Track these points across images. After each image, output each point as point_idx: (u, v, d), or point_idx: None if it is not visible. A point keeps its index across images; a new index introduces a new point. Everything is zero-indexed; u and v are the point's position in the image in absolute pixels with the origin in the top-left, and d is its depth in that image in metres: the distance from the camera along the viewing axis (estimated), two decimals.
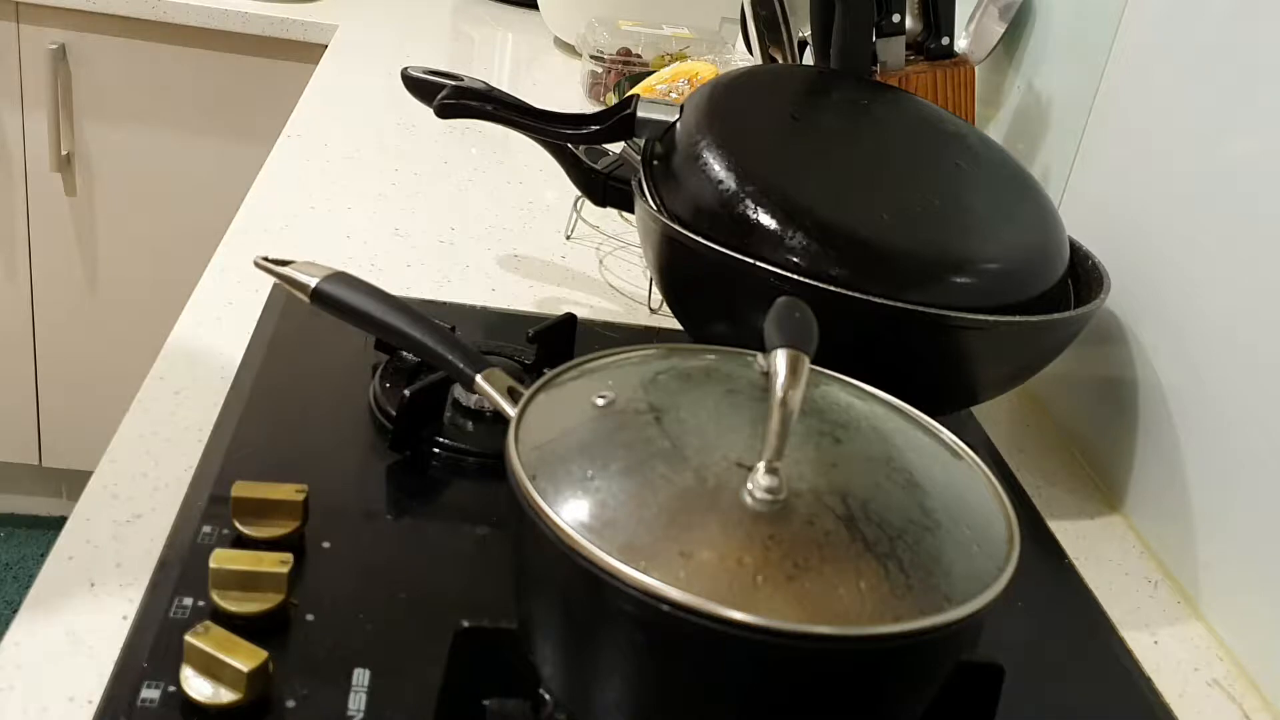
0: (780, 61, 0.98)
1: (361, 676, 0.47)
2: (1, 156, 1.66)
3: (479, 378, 0.56)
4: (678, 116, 0.71)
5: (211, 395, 0.65)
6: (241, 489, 0.53)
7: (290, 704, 0.45)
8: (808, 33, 0.93)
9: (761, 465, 0.39)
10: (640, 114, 0.72)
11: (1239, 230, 0.64)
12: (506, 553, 0.56)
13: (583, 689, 0.41)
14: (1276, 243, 0.61)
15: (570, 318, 0.73)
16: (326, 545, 0.54)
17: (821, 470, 0.41)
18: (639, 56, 1.40)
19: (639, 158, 0.72)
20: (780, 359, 0.41)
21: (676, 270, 0.67)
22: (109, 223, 1.71)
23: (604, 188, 0.83)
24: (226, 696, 0.44)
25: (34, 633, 0.47)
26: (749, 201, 0.63)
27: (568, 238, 0.99)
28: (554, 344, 0.73)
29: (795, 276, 0.60)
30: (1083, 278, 0.72)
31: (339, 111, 1.22)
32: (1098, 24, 0.82)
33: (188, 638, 0.44)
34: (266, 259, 0.64)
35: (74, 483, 1.95)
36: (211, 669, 0.44)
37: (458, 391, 0.66)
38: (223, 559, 0.49)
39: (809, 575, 0.37)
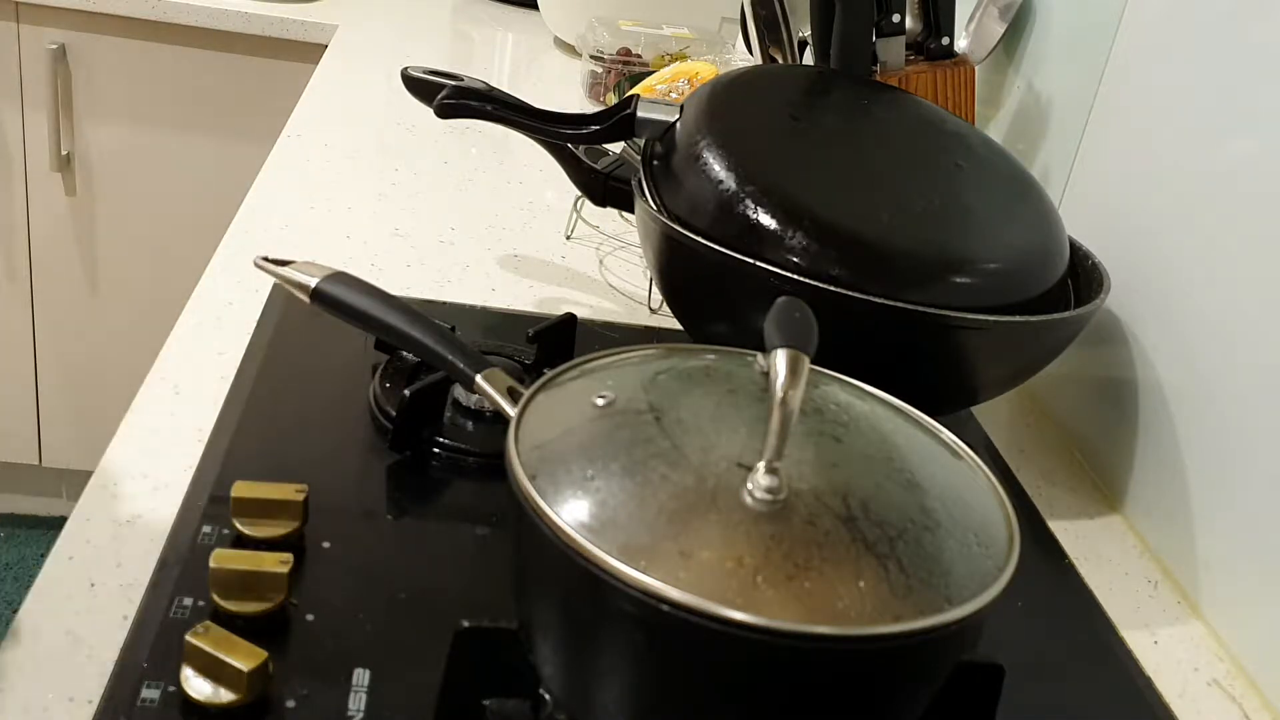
0: (780, 61, 0.98)
1: (361, 676, 0.47)
2: (1, 156, 1.66)
3: (479, 378, 0.56)
4: (678, 116, 0.71)
5: (211, 395, 0.65)
6: (241, 489, 0.53)
7: (290, 704, 0.45)
8: (808, 33, 0.93)
9: (761, 465, 0.39)
10: (640, 114, 0.72)
11: (1239, 230, 0.64)
12: (506, 553, 0.56)
13: (583, 689, 0.41)
14: (1276, 243, 0.61)
15: (570, 318, 0.73)
16: (326, 545, 0.54)
17: (821, 470, 0.41)
18: (639, 56, 1.40)
19: (639, 158, 0.72)
20: (780, 359, 0.41)
21: (676, 270, 0.67)
22: (109, 223, 1.72)
23: (604, 188, 0.83)
24: (226, 696, 0.44)
25: (34, 633, 0.47)
26: (749, 201, 0.63)
27: (568, 238, 0.99)
28: (554, 344, 0.72)
29: (795, 276, 0.60)
30: (1083, 278, 0.72)
31: (339, 111, 1.22)
32: (1098, 24, 0.82)
33: (188, 638, 0.44)
34: (266, 259, 0.64)
35: (74, 483, 1.95)
36: (211, 669, 0.44)
37: (458, 391, 0.66)
38: (223, 559, 0.49)
39: (809, 575, 0.37)
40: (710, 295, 0.66)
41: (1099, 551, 0.69)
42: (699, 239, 0.63)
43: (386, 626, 0.50)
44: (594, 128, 0.75)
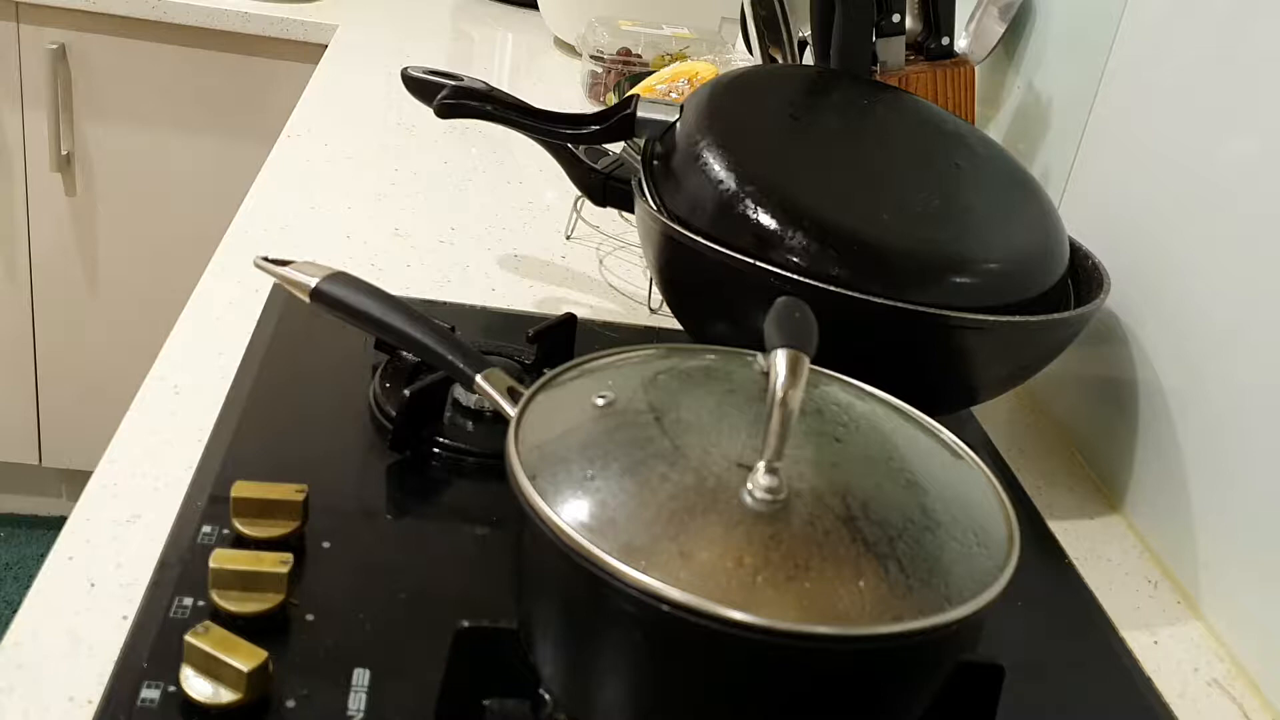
0: (780, 61, 0.98)
1: (361, 676, 0.47)
2: (1, 156, 1.66)
3: (479, 378, 0.56)
4: (678, 116, 0.71)
5: (211, 395, 0.65)
6: (241, 489, 0.53)
7: (290, 704, 0.45)
8: (808, 33, 0.93)
9: (761, 465, 0.39)
10: (640, 114, 0.72)
11: (1239, 230, 0.64)
12: (506, 553, 0.56)
13: (583, 689, 0.41)
14: (1276, 243, 0.61)
15: (570, 318, 0.73)
16: (326, 545, 0.54)
17: (821, 470, 0.41)
18: (639, 56, 1.40)
19: (639, 158, 0.72)
20: (780, 359, 0.41)
21: (676, 270, 0.67)
22: (109, 223, 1.72)
23: (604, 188, 0.83)
24: (226, 696, 0.44)
25: (34, 633, 0.47)
26: (749, 201, 0.63)
27: (568, 238, 0.99)
28: (554, 344, 0.72)
29: (795, 276, 0.60)
30: (1083, 278, 0.72)
31: (339, 111, 1.22)
32: (1098, 24, 0.82)
33: (188, 638, 0.44)
34: (266, 259, 0.64)
35: (74, 483, 1.95)
36: (211, 669, 0.44)
37: (458, 391, 0.66)
38: (223, 559, 0.49)
39: (809, 575, 0.37)
40: (710, 295, 0.66)
41: (1099, 551, 0.69)
42: (699, 239, 0.63)
43: (386, 626, 0.50)
44: (594, 128, 0.75)
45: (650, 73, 1.25)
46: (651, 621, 0.37)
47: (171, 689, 0.44)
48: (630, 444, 0.42)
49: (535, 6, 1.73)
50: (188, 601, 0.49)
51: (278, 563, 0.49)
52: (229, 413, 0.63)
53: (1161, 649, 0.61)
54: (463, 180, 1.08)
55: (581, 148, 0.84)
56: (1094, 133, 0.82)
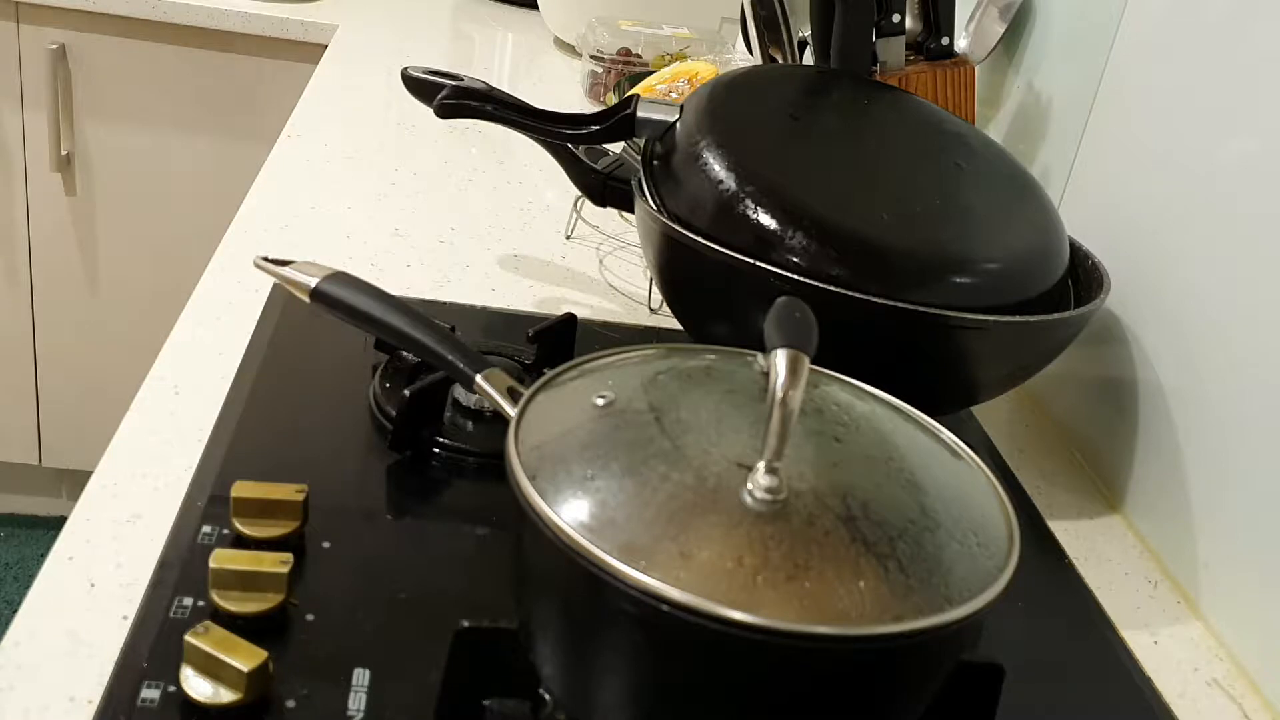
0: (780, 61, 0.98)
1: (361, 676, 0.47)
2: (1, 156, 1.66)
3: (479, 378, 0.56)
4: (678, 116, 0.71)
5: (211, 395, 0.65)
6: (241, 489, 0.53)
7: (290, 704, 0.45)
8: (808, 33, 0.93)
9: (761, 465, 0.39)
10: (640, 114, 0.72)
11: (1239, 230, 0.64)
12: (506, 553, 0.56)
13: (582, 689, 0.41)
14: (1276, 243, 0.61)
15: (570, 318, 0.73)
16: (326, 545, 0.54)
17: (821, 470, 0.41)
18: (639, 56, 1.40)
19: (639, 158, 0.72)
20: (780, 359, 0.41)
21: (676, 270, 0.67)
22: (109, 223, 1.72)
23: (604, 188, 0.83)
24: (226, 696, 0.44)
25: (34, 633, 0.47)
26: (749, 201, 0.63)
27: (568, 238, 0.99)
28: (554, 344, 0.73)
29: (795, 276, 0.60)
30: (1083, 278, 0.72)
31: (339, 111, 1.22)
32: (1098, 24, 0.82)
33: (188, 638, 0.44)
34: (266, 259, 0.64)
35: (74, 483, 1.95)
36: (211, 669, 0.44)
37: (458, 391, 0.66)
38: (223, 559, 0.49)
39: (809, 575, 0.37)
40: (710, 295, 0.66)
41: (1099, 551, 0.69)
42: (699, 239, 0.63)
43: (386, 626, 0.50)
44: (594, 128, 0.75)
45: (650, 73, 1.25)
46: (651, 621, 0.37)
47: (171, 689, 0.44)
48: (630, 444, 0.42)
49: (535, 6, 1.73)
50: (188, 601, 0.49)
51: (278, 563, 0.49)
52: (229, 413, 0.63)
53: (1161, 649, 0.61)
54: (463, 180, 1.08)
55: (581, 148, 0.84)
56: (1094, 133, 0.82)
